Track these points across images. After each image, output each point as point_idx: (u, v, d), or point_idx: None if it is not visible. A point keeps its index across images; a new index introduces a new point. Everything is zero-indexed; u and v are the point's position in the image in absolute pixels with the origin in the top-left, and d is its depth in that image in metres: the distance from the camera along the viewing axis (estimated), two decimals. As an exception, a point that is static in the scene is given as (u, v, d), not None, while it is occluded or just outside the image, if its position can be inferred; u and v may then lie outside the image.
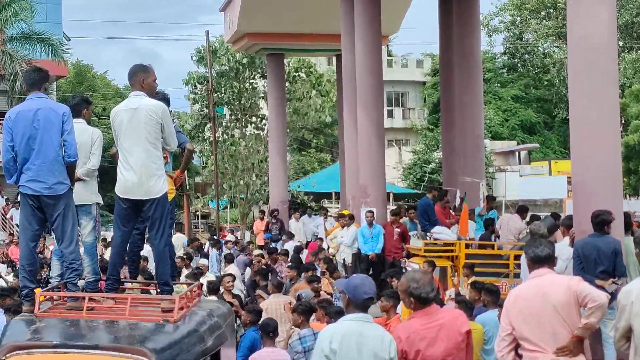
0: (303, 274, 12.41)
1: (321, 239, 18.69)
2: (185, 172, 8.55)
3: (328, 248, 16.68)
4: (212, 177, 31.93)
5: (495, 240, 13.94)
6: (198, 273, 12.48)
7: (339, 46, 19.18)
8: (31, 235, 6.08)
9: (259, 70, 31.64)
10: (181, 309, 5.65)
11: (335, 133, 38.53)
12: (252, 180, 31.51)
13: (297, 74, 33.39)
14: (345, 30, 17.92)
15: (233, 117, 33.08)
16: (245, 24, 23.24)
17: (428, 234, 13.99)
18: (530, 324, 5.41)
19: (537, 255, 5.56)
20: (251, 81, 32.34)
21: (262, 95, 32.26)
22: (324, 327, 6.56)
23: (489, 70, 44.09)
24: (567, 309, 5.33)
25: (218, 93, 31.96)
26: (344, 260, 15.76)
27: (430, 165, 36.55)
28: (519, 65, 48.13)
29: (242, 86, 31.94)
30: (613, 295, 7.02)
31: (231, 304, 9.54)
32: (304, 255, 16.43)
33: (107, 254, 13.03)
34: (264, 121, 31.55)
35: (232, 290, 11.65)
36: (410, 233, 14.98)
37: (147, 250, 11.13)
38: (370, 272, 14.36)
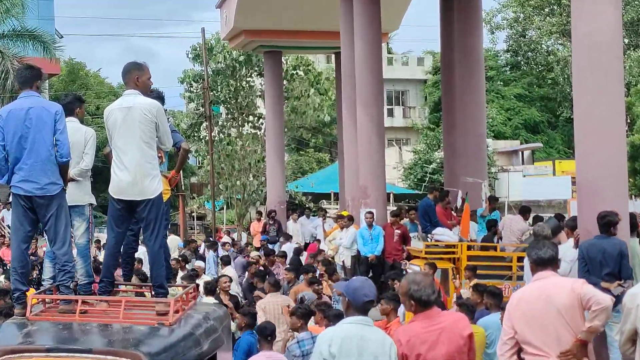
0: (302, 276, 12.41)
1: (319, 241, 18.70)
2: (181, 172, 8.57)
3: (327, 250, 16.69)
4: (208, 177, 31.97)
5: (497, 242, 13.95)
6: (194, 275, 12.50)
7: (338, 43, 19.17)
8: (23, 237, 6.08)
9: (256, 68, 31.64)
10: (176, 312, 5.65)
11: (334, 132, 38.57)
12: (249, 181, 31.52)
13: (295, 72, 33.39)
14: (345, 28, 17.92)
15: (229, 116, 33.10)
16: (242, 20, 23.24)
17: (429, 235, 14.00)
18: (533, 327, 5.41)
19: (540, 257, 5.57)
20: (248, 79, 32.34)
21: (259, 93, 32.27)
22: (323, 330, 6.56)
23: (491, 68, 44.14)
24: (570, 312, 5.33)
25: (214, 91, 31.98)
26: (343, 262, 15.75)
27: (432, 166, 36.57)
28: (522, 63, 48.16)
29: (238, 84, 31.95)
30: (618, 298, 7.02)
31: (226, 306, 9.56)
32: (304, 257, 16.43)
33: (101, 255, 13.04)
34: (261, 120, 31.56)
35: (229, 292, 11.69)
36: (411, 234, 14.98)
37: (141, 252, 11.14)
38: (370, 275, 14.36)
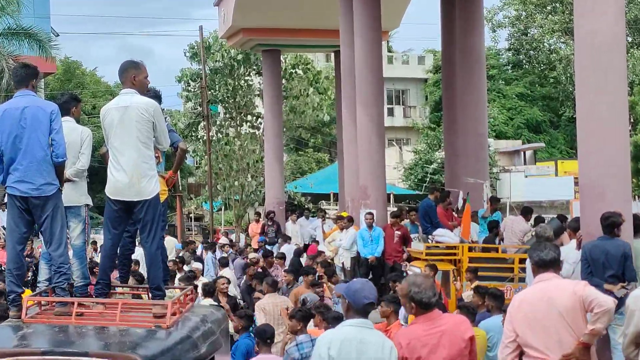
0: (301, 277, 12.41)
1: (317, 242, 18.70)
2: (178, 172, 8.57)
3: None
4: (206, 177, 31.97)
5: (499, 243, 13.96)
6: (191, 276, 12.51)
7: (337, 42, 19.17)
8: (18, 238, 6.08)
9: (255, 67, 31.64)
10: (174, 314, 5.65)
11: (333, 132, 38.56)
12: (248, 181, 31.51)
13: (294, 71, 33.38)
14: (344, 26, 17.92)
15: (227, 115, 33.08)
16: (240, 19, 23.24)
17: (430, 236, 14.00)
18: (534, 329, 5.41)
19: (541, 259, 5.57)
20: (246, 78, 32.34)
21: (258, 92, 32.26)
22: (322, 333, 6.57)
23: (493, 67, 44.16)
24: (572, 314, 5.34)
25: (212, 90, 31.97)
26: (342, 264, 15.75)
27: (432, 166, 36.58)
28: (524, 61, 48.18)
29: (236, 83, 31.94)
30: (622, 300, 7.02)
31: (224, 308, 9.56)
32: (304, 259, 16.42)
33: (98, 257, 13.03)
34: (259, 120, 31.55)
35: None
36: (412, 236, 14.98)
37: (138, 253, 11.15)
38: (370, 277, 14.36)
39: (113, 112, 6.10)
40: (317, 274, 12.62)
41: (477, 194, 16.32)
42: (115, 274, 7.02)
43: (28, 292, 6.74)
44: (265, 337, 7.98)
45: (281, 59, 27.94)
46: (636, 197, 25.70)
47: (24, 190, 5.92)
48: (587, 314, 5.36)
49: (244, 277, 14.77)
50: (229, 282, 12.15)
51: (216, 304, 10.51)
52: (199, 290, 11.23)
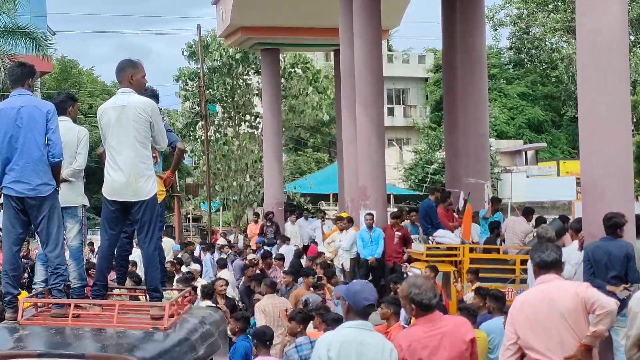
0: (301, 279, 12.42)
1: (316, 243, 18.68)
2: (176, 172, 8.56)
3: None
4: (204, 178, 31.92)
5: (500, 244, 13.96)
6: (189, 278, 12.51)
7: (337, 41, 19.18)
8: (14, 239, 6.08)
9: (253, 66, 31.63)
10: (171, 316, 5.65)
11: (333, 132, 38.56)
12: (246, 182, 31.51)
13: (293, 70, 33.38)
14: (344, 24, 17.92)
15: (226, 115, 33.07)
16: (238, 17, 23.24)
17: (430, 237, 14.01)
18: (536, 331, 5.42)
19: (543, 260, 5.57)
20: (245, 77, 32.33)
21: (257, 92, 32.26)
22: (321, 335, 6.57)
23: (494, 66, 44.15)
24: (574, 316, 5.34)
25: (210, 90, 31.97)
26: (342, 265, 15.75)
27: (433, 166, 36.58)
28: (525, 60, 48.18)
29: (235, 83, 31.94)
30: (624, 302, 7.03)
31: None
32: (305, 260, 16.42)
33: (94, 258, 13.01)
34: (258, 119, 31.56)
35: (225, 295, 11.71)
36: (412, 237, 14.98)
37: (136, 254, 11.15)
38: (370, 278, 14.37)
39: (110, 112, 6.10)
40: (316, 276, 12.63)
41: (478, 194, 16.33)
42: (112, 276, 7.01)
43: (24, 294, 6.74)
44: (265, 339, 7.98)
45: (280, 58, 27.94)
46: (639, 197, 25.72)
47: (20, 190, 5.92)
48: (589, 316, 5.37)
49: (243, 278, 14.77)
50: (227, 283, 12.16)
51: (214, 306, 10.51)
52: (198, 292, 11.25)
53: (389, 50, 51.50)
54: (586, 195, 9.58)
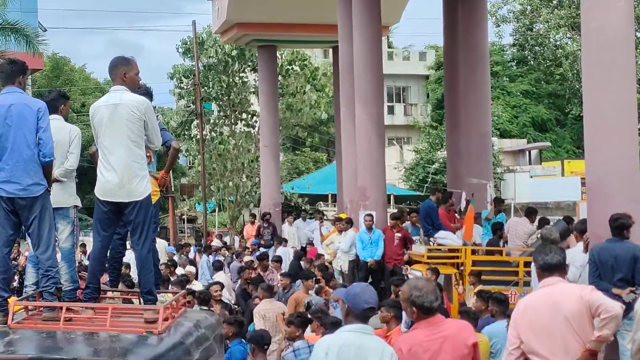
0: (298, 281, 12.41)
1: (312, 244, 18.68)
2: (171, 172, 8.56)
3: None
4: (199, 178, 31.98)
5: (503, 246, 13.97)
6: (184, 280, 12.51)
7: (335, 37, 19.17)
8: (5, 241, 6.06)
9: (250, 63, 31.65)
10: (166, 319, 5.65)
11: (331, 131, 38.59)
12: (242, 182, 31.51)
13: (290, 67, 33.40)
14: (343, 20, 17.92)
15: (221, 113, 33.08)
16: (234, 13, 23.23)
17: (431, 239, 14.01)
18: (539, 336, 5.42)
19: (546, 263, 5.58)
20: (241, 75, 32.34)
21: (253, 90, 32.28)
22: (319, 339, 6.57)
23: (497, 63, 44.16)
24: (579, 319, 5.34)
25: (205, 88, 31.97)
26: (340, 267, 15.76)
27: (434, 166, 36.60)
28: (529, 57, 48.20)
29: (231, 80, 31.94)
30: (630, 305, 7.03)
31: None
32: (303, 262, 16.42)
33: (87, 260, 13.01)
34: (254, 118, 31.56)
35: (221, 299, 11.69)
36: (413, 238, 14.99)
37: (129, 256, 11.14)
38: (370, 280, 14.37)
39: (103, 110, 6.10)
40: (314, 278, 12.63)
41: (480, 194, 16.32)
42: (105, 278, 7.01)
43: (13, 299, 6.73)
44: (263, 342, 7.99)
45: (277, 54, 27.94)
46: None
47: (11, 191, 5.91)
48: (594, 320, 5.37)
49: (240, 280, 14.78)
50: (222, 288, 12.14)
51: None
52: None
53: (389, 47, 51.53)
54: (591, 196, 9.59)
